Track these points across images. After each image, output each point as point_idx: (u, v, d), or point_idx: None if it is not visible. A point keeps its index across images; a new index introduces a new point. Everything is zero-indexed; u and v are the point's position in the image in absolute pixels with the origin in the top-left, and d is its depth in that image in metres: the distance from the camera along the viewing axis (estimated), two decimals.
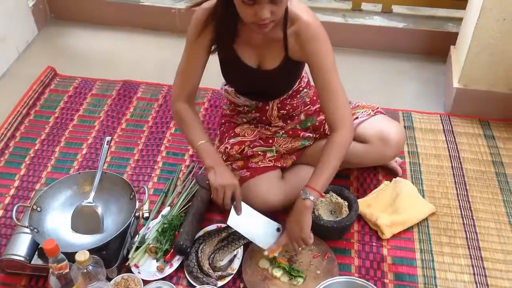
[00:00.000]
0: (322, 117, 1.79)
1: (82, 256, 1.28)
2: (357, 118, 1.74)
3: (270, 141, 1.76)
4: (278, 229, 1.63)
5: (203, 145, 1.57)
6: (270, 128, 1.80)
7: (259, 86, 1.68)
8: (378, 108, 1.80)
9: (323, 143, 1.75)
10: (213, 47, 1.60)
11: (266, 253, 1.58)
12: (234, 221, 1.56)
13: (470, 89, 2.13)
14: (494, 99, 2.13)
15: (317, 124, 1.79)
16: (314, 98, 1.82)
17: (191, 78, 1.62)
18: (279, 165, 1.76)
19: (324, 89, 1.53)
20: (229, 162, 1.76)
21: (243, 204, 1.59)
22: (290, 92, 1.75)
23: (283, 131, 1.79)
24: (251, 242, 1.64)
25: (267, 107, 1.76)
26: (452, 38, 2.37)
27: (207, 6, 1.53)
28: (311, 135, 1.78)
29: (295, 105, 1.78)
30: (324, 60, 1.51)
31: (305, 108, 1.79)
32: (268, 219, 1.63)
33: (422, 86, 2.39)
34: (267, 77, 1.63)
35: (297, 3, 1.52)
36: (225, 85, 1.81)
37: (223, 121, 1.88)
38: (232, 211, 1.56)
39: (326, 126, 1.77)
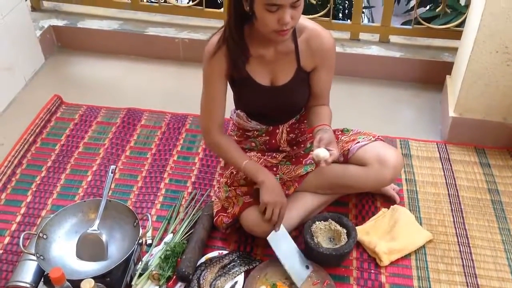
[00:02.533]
0: None
1: (88, 284, 1.32)
2: (358, 142, 1.80)
3: (275, 169, 1.82)
4: (307, 266, 1.67)
5: (249, 164, 1.69)
6: (277, 156, 1.85)
7: (273, 104, 1.74)
8: (378, 136, 1.86)
9: (323, 168, 1.81)
10: (228, 73, 1.68)
11: (299, 286, 1.63)
12: (274, 240, 1.65)
13: (466, 118, 2.19)
14: (489, 127, 2.19)
15: None
16: None
17: (216, 110, 1.73)
18: None
19: (324, 84, 1.74)
20: (233, 187, 1.80)
21: (282, 227, 1.67)
22: (299, 116, 1.83)
23: (286, 160, 1.84)
24: (252, 268, 1.68)
25: (277, 131, 1.82)
26: (447, 67, 2.43)
27: (215, 38, 1.63)
28: (312, 160, 1.83)
29: (302, 129, 1.86)
30: (331, 60, 1.70)
31: (310, 135, 1.85)
32: (300, 252, 1.69)
33: (419, 114, 2.45)
34: (281, 93, 1.70)
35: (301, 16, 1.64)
36: (236, 110, 1.87)
37: None
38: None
39: None
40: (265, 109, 1.77)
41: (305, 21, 1.66)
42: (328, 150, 1.53)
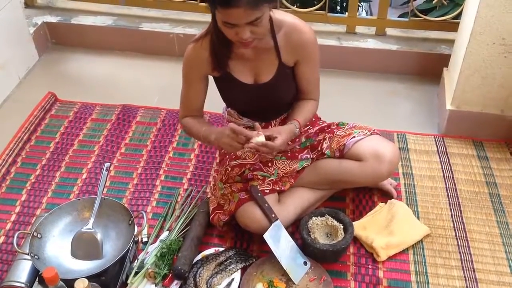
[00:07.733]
0: (320, 137, 1.84)
1: (81, 284, 1.31)
2: (354, 137, 1.79)
3: (270, 164, 1.80)
4: (305, 263, 1.66)
5: (205, 130, 1.71)
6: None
7: (259, 101, 1.73)
8: (374, 129, 1.84)
9: (318, 163, 1.80)
10: (210, 74, 1.67)
11: (296, 282, 1.63)
12: (270, 237, 1.65)
13: (463, 111, 2.17)
14: (486, 120, 2.17)
15: (315, 143, 1.84)
16: (313, 119, 1.87)
17: (192, 104, 1.77)
18: (277, 189, 1.79)
19: (309, 79, 1.72)
20: (228, 184, 1.79)
21: (279, 223, 1.67)
22: (290, 110, 1.80)
23: (281, 154, 1.83)
24: (249, 265, 1.67)
25: (269, 127, 1.81)
26: (444, 60, 2.41)
27: (195, 38, 1.64)
28: (308, 156, 1.81)
29: None
30: (312, 53, 1.67)
31: (305, 129, 1.84)
32: (298, 248, 1.68)
33: (416, 107, 2.43)
34: (265, 90, 1.68)
35: (279, 11, 1.62)
36: (227, 108, 1.86)
37: None
38: (271, 226, 1.66)
39: (324, 145, 1.82)
40: (252, 106, 1.76)
41: (283, 15, 1.63)
42: (272, 137, 1.58)
